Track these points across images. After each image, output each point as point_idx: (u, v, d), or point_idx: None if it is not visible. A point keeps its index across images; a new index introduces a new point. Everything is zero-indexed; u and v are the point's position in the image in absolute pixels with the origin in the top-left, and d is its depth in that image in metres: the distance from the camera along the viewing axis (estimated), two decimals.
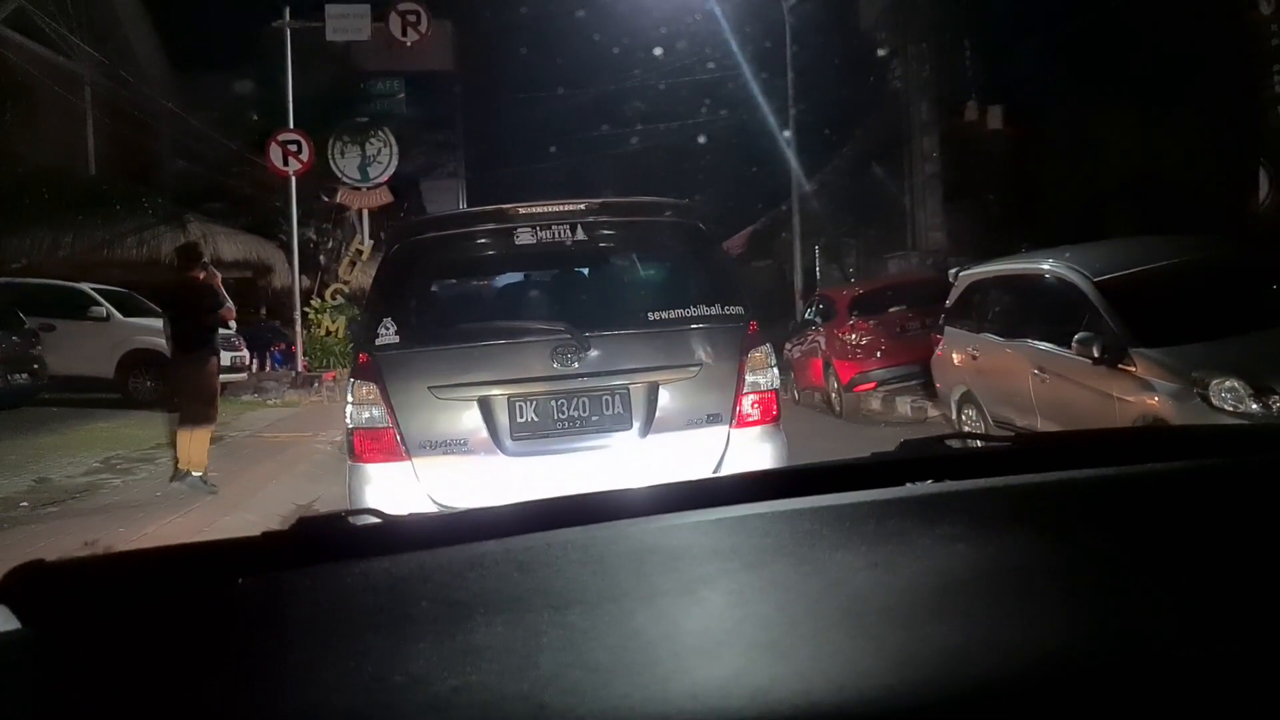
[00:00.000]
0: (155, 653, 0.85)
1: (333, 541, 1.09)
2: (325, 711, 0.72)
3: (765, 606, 0.83)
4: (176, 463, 7.83)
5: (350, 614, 0.89)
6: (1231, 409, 5.45)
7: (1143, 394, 5.90)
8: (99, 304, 14.01)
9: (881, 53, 18.97)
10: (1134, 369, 5.96)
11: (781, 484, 1.20)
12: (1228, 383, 5.51)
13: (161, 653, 0.85)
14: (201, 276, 7.91)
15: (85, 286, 14.37)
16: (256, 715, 0.74)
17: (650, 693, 0.67)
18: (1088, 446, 1.42)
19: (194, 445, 7.67)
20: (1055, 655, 0.71)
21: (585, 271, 5.25)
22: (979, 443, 1.54)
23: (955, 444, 1.34)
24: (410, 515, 1.22)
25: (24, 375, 12.41)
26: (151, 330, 12.13)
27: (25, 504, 7.43)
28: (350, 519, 1.15)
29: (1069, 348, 6.40)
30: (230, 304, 8.33)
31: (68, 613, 0.92)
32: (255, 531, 1.16)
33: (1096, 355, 6.15)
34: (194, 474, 7.64)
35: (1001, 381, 7.61)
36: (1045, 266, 7.25)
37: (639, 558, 0.97)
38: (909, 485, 1.15)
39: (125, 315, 13.93)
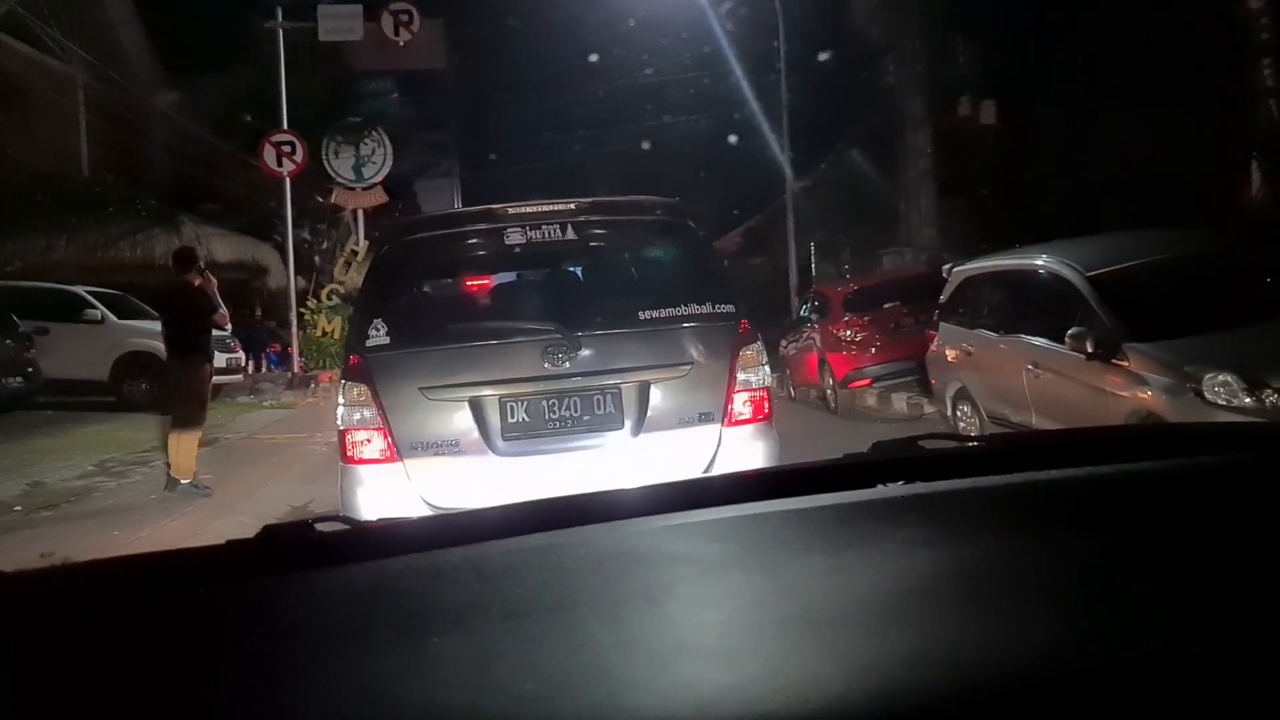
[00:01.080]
0: (112, 665, 0.84)
1: (297, 550, 1.08)
2: (285, 716, 0.71)
3: (721, 613, 0.82)
4: (169, 469, 7.82)
5: (310, 624, 0.88)
6: (1225, 403, 5.45)
7: (1136, 389, 5.90)
8: (93, 307, 13.98)
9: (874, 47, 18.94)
10: (1127, 364, 5.96)
11: (749, 487, 1.19)
12: (1221, 377, 5.50)
13: (118, 665, 0.84)
14: (197, 281, 7.89)
15: (80, 289, 14.33)
16: None
17: (598, 704, 0.66)
18: (1062, 446, 1.41)
19: (181, 450, 7.65)
20: (1015, 662, 0.69)
21: (576, 271, 5.24)
22: (955, 443, 1.53)
23: (930, 444, 1.33)
24: (379, 521, 1.21)
25: (18, 379, 12.37)
26: (146, 333, 12.13)
27: (19, 508, 7.42)
28: (318, 526, 1.14)
29: (1062, 343, 6.39)
30: (224, 309, 8.31)
31: (22, 626, 0.91)
32: (250, 534, 1.15)
33: (1090, 350, 6.15)
34: (183, 482, 7.62)
35: (996, 377, 7.61)
36: (1038, 262, 7.24)
37: (600, 565, 0.96)
38: (878, 487, 1.14)
39: (120, 318, 13.90)
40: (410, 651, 0.78)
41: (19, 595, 0.96)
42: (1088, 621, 0.79)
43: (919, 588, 0.85)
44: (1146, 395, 5.82)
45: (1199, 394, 5.51)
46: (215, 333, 8.52)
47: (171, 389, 7.93)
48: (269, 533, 1.10)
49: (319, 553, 1.06)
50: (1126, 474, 1.18)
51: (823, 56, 19.23)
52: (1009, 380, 7.30)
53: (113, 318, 13.92)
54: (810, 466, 1.29)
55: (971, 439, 1.86)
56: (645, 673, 0.72)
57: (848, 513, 1.05)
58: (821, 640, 0.75)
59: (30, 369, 12.55)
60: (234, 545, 1.07)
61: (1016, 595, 0.85)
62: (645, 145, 25.58)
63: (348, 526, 1.16)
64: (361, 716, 0.70)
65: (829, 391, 12.33)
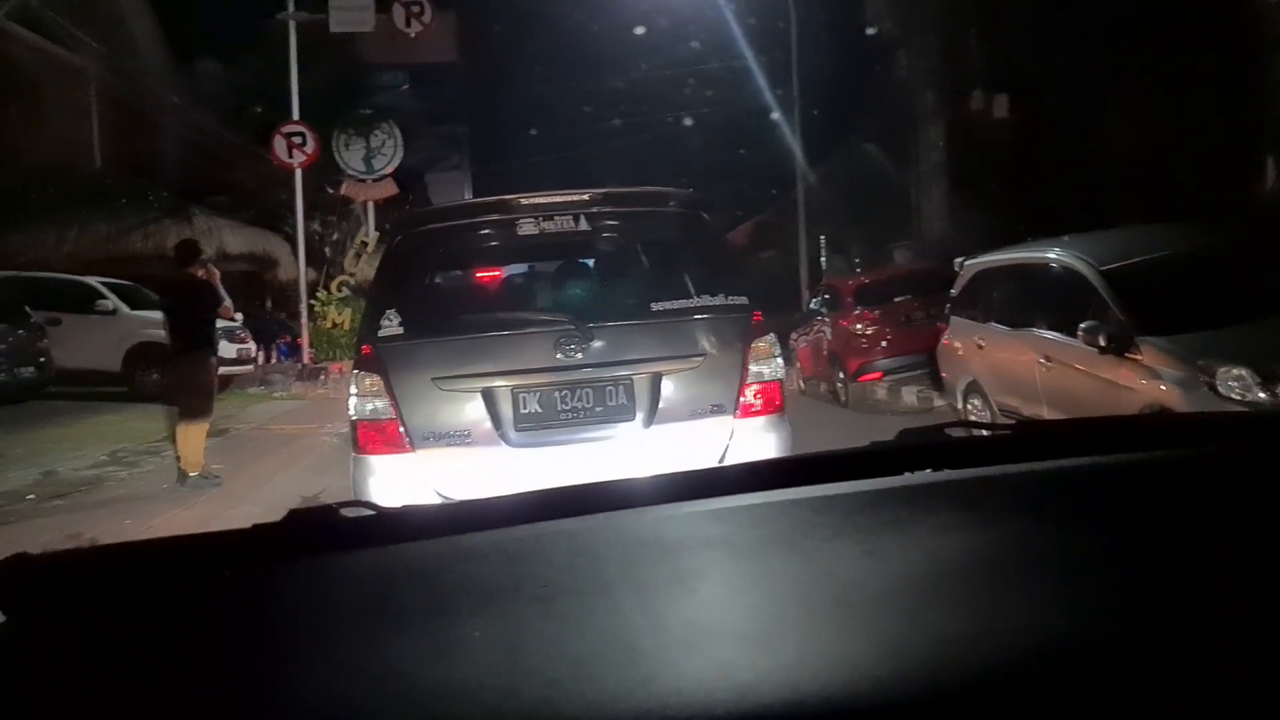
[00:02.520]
0: (138, 644, 0.84)
1: (322, 534, 1.08)
2: (307, 701, 0.71)
3: (755, 597, 0.82)
4: (179, 461, 7.84)
5: (336, 606, 0.88)
6: (1239, 397, 5.42)
7: (1149, 382, 5.87)
8: (105, 297, 14.02)
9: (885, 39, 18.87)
10: (1140, 357, 5.93)
11: (776, 474, 1.19)
12: (1234, 371, 5.47)
13: (144, 644, 0.84)
14: (200, 274, 7.89)
15: (92, 280, 14.37)
16: (238, 705, 0.73)
17: (633, 686, 0.66)
18: (1086, 434, 1.40)
19: (189, 442, 7.66)
20: (1049, 643, 0.69)
21: (589, 262, 5.23)
22: (980, 431, 1.52)
23: (955, 433, 1.32)
24: (403, 507, 1.20)
25: (30, 369, 12.43)
26: (158, 324, 12.14)
27: (32, 497, 7.46)
28: (342, 511, 1.13)
29: (1075, 337, 6.36)
30: (228, 301, 8.32)
31: (51, 605, 0.91)
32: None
33: (1102, 344, 6.12)
34: (192, 474, 7.64)
35: (1007, 371, 7.59)
36: (1051, 255, 7.21)
37: (629, 549, 0.96)
38: (906, 475, 1.13)
39: (132, 309, 13.93)
40: (439, 633, 0.78)
41: (47, 576, 0.97)
42: (1111, 602, 0.79)
43: (950, 570, 0.84)
44: (1160, 389, 5.79)
45: (1213, 388, 5.48)
46: (224, 324, 8.52)
47: (177, 382, 7.95)
48: (294, 516, 1.10)
49: (344, 536, 1.06)
50: (1149, 461, 1.18)
51: (835, 50, 19.17)
52: (1021, 374, 7.27)
53: (125, 308, 13.96)
54: (838, 453, 1.29)
55: (997, 427, 1.86)
56: (680, 655, 0.72)
57: (878, 498, 1.05)
58: (856, 621, 0.75)
59: (43, 359, 12.61)
60: (260, 529, 1.07)
61: (1044, 577, 0.85)
62: (657, 137, 25.55)
63: (372, 512, 1.16)
64: (390, 695, 0.70)
65: (839, 385, 12.31)
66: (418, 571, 0.93)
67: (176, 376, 8.00)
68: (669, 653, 0.72)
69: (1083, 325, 6.27)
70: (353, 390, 4.37)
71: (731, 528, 0.99)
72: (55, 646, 0.86)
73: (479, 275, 5.87)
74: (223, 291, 8.13)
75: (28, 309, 12.80)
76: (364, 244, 18.38)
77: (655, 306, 4.45)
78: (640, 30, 21.77)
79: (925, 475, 1.14)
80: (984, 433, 1.52)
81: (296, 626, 0.85)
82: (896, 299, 12.12)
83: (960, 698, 0.64)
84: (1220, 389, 5.46)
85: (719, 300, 4.47)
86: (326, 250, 20.39)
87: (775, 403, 4.43)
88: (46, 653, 0.86)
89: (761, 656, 0.70)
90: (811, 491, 1.07)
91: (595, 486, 1.15)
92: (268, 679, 0.76)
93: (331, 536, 1.06)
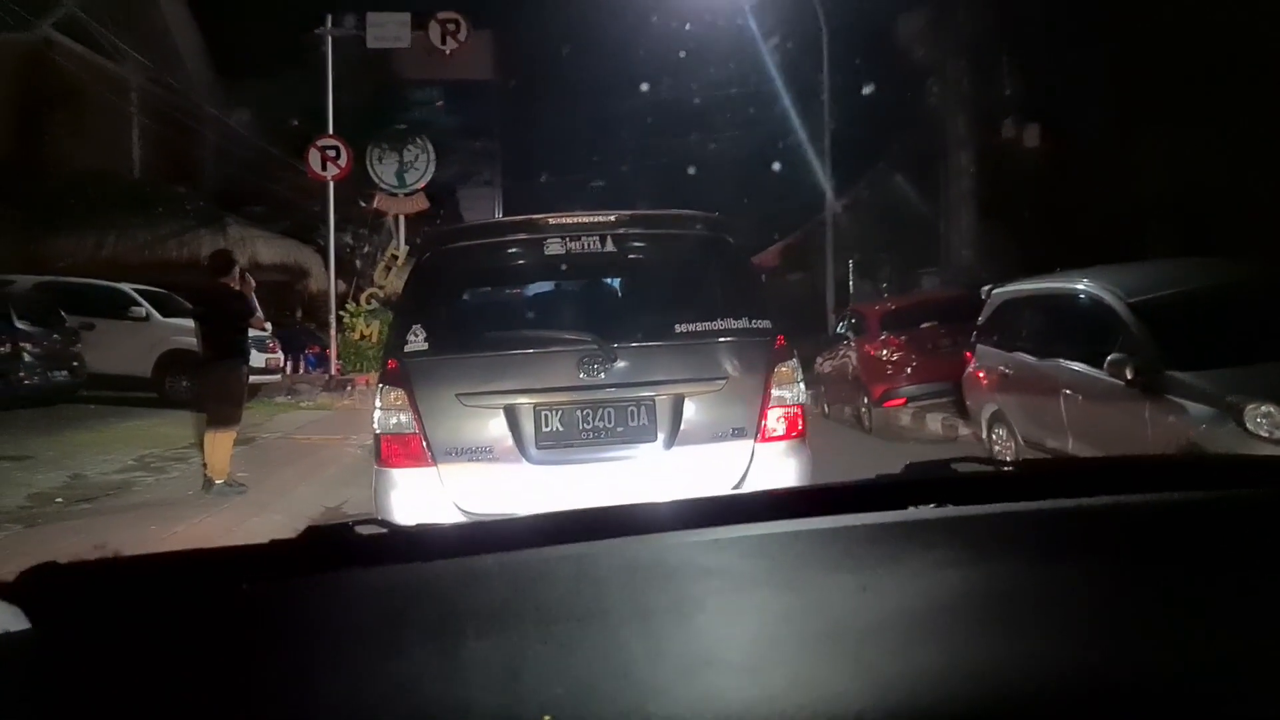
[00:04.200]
0: (158, 654, 0.88)
1: (337, 551, 1.11)
2: (317, 714, 0.73)
3: (750, 627, 0.84)
4: (206, 468, 7.92)
5: (348, 622, 0.90)
6: (1267, 435, 5.36)
7: (1176, 417, 5.82)
8: (139, 304, 14.22)
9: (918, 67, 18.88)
10: (1167, 392, 5.88)
11: (781, 505, 1.21)
12: (1263, 408, 5.42)
13: (164, 655, 0.87)
14: (236, 284, 8.00)
15: (126, 287, 14.58)
16: (252, 715, 0.76)
17: (628, 710, 0.68)
18: (1092, 474, 1.41)
19: (216, 450, 7.74)
20: (1035, 682, 0.71)
21: (614, 282, 5.26)
22: (988, 467, 1.53)
23: (962, 468, 1.33)
24: (417, 526, 1.23)
25: (63, 372, 12.62)
26: (190, 331, 12.29)
27: (60, 500, 7.55)
28: (358, 528, 1.17)
29: (1102, 369, 6.32)
30: (260, 313, 8.43)
31: (76, 614, 0.94)
32: (283, 532, 1.18)
33: (1129, 377, 6.07)
34: (218, 482, 7.71)
35: (1033, 401, 7.54)
36: (1079, 286, 7.18)
37: (631, 575, 0.98)
38: (909, 510, 1.15)
39: (164, 316, 14.12)
40: (443, 653, 0.81)
41: (73, 585, 1.00)
42: (1109, 646, 0.80)
43: (945, 607, 0.86)
44: (1186, 424, 5.74)
45: (1240, 424, 5.43)
46: (254, 333, 8.62)
47: (208, 389, 8.04)
48: (312, 533, 1.13)
49: (358, 553, 1.09)
50: (1155, 503, 1.18)
51: (866, 76, 19.20)
52: (1046, 404, 7.23)
53: (157, 315, 14.15)
54: (843, 486, 1.30)
55: (1004, 463, 1.86)
56: (674, 682, 0.74)
57: (878, 533, 1.06)
58: (847, 656, 0.76)
59: (75, 363, 12.80)
60: (278, 544, 1.10)
61: (1041, 618, 0.86)
62: (687, 159, 25.64)
63: (385, 530, 1.19)
64: (395, 713, 0.73)
65: (863, 410, 12.26)
66: (427, 592, 0.96)
67: (207, 384, 8.09)
68: (663, 679, 0.74)
69: (1110, 357, 6.22)
70: (377, 404, 4.41)
71: (732, 558, 1.01)
72: (79, 655, 0.90)
73: (505, 293, 5.92)
74: (255, 302, 8.24)
75: (63, 313, 13.00)
76: (394, 257, 18.56)
77: (679, 328, 4.46)
78: (673, 53, 21.90)
79: (927, 511, 1.15)
80: (991, 468, 1.53)
81: (310, 641, 0.88)
82: (923, 325, 12.08)
83: None
84: (1248, 425, 5.41)
85: (742, 324, 4.49)
86: (357, 263, 20.61)
87: (797, 427, 4.43)
88: (71, 661, 0.89)
89: (752, 687, 0.72)
90: (813, 524, 1.08)
91: (603, 511, 1.17)
92: (281, 691, 0.79)
93: (346, 553, 1.09)
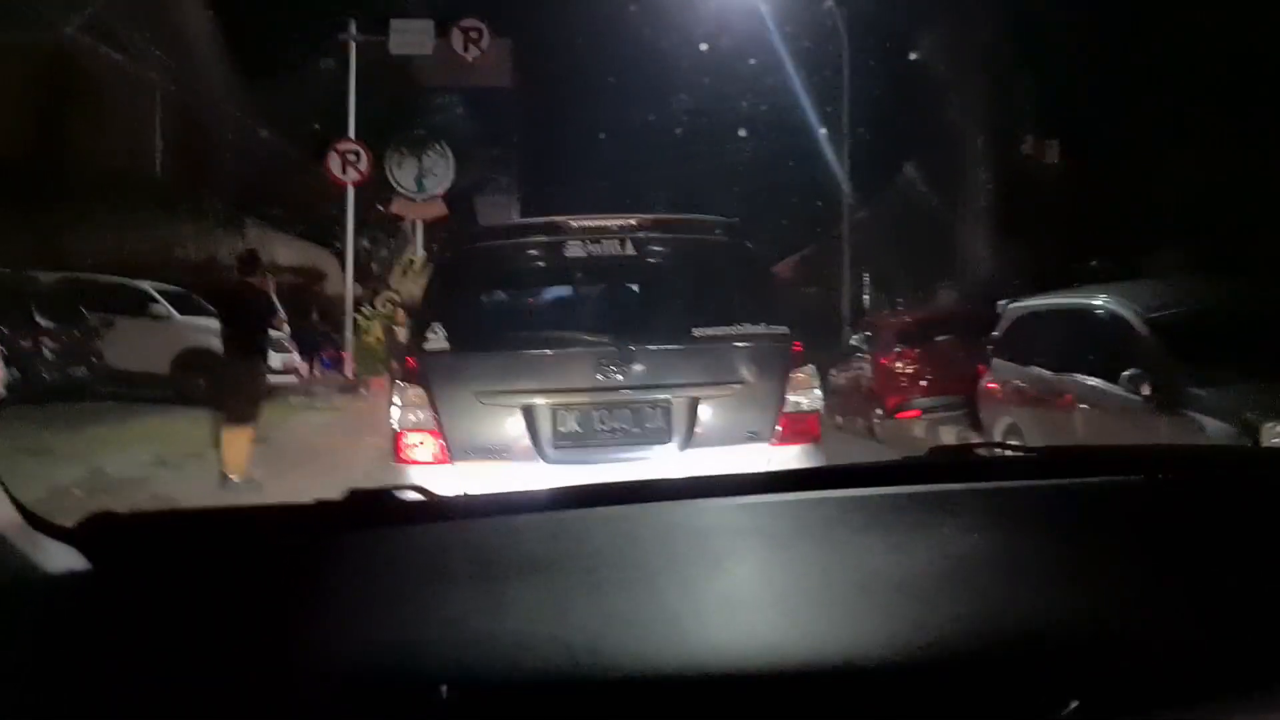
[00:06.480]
0: (209, 597, 0.92)
1: (380, 510, 1.15)
2: (369, 643, 0.77)
3: (784, 579, 0.87)
4: (222, 464, 7.98)
5: (394, 570, 0.94)
6: None
7: (1192, 433, 5.81)
8: (159, 302, 14.32)
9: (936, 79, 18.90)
10: (1184, 408, 5.87)
11: (809, 478, 1.24)
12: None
13: (215, 597, 0.91)
14: (260, 284, 8.09)
15: (146, 285, 14.69)
16: (303, 646, 0.80)
17: (674, 641, 0.72)
18: (1105, 459, 1.45)
19: (234, 446, 7.79)
20: (1053, 630, 0.75)
21: (633, 285, 5.30)
22: (1008, 451, 1.57)
23: (984, 452, 1.37)
24: (453, 495, 1.27)
25: (83, 368, 12.72)
26: (208, 330, 12.39)
27: (78, 493, 7.61)
28: (397, 494, 1.20)
29: (1117, 384, 6.31)
30: (281, 312, 8.51)
31: (131, 557, 0.98)
32: None
33: (1145, 393, 6.06)
34: (234, 478, 7.76)
35: (1048, 415, 7.53)
36: (1095, 302, 7.17)
37: (666, 534, 1.02)
38: (935, 484, 1.18)
39: (183, 314, 14.22)
40: (490, 593, 0.84)
41: (130, 531, 1.04)
42: (1113, 601, 0.85)
43: (970, 565, 0.90)
44: (1203, 440, 5.73)
45: (1257, 442, 5.42)
46: (272, 334, 8.70)
47: (228, 387, 8.10)
48: (354, 494, 1.17)
49: (401, 513, 1.12)
50: (1153, 483, 1.23)
51: (885, 89, 19.23)
52: (1061, 419, 7.22)
53: (176, 314, 14.24)
54: (869, 464, 1.34)
55: (1023, 448, 1.91)
56: (714, 619, 0.78)
57: (906, 502, 1.10)
58: (877, 604, 0.80)
59: (95, 359, 12.90)
60: (323, 503, 1.14)
61: (1058, 578, 0.91)
62: (705, 168, 25.70)
63: (425, 497, 1.22)
64: (444, 639, 0.76)
65: (876, 421, 12.27)
66: (470, 544, 1.00)
67: (227, 381, 8.16)
68: (704, 618, 0.78)
69: (1125, 374, 6.21)
70: (396, 401, 4.45)
71: (764, 519, 1.05)
72: (136, 594, 0.94)
73: (525, 293, 5.96)
74: (277, 302, 8.32)
75: (83, 310, 13.11)
76: (411, 262, 18.64)
77: (696, 332, 4.50)
78: (693, 63, 21.98)
79: (953, 485, 1.19)
80: (1011, 452, 1.57)
81: (358, 585, 0.91)
82: (937, 338, 12.08)
83: (968, 667, 0.70)
84: (1264, 443, 5.39)
85: (759, 329, 4.52)
86: (374, 266, 20.70)
87: (812, 433, 4.46)
88: (128, 599, 0.93)
89: (788, 624, 0.76)
90: (844, 493, 1.12)
91: (629, 483, 1.21)
92: (332, 624, 0.82)
93: (389, 512, 1.13)
